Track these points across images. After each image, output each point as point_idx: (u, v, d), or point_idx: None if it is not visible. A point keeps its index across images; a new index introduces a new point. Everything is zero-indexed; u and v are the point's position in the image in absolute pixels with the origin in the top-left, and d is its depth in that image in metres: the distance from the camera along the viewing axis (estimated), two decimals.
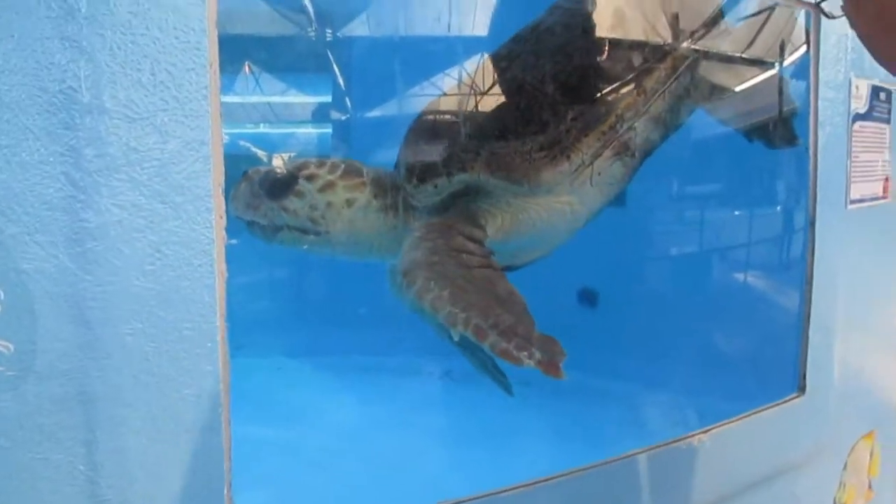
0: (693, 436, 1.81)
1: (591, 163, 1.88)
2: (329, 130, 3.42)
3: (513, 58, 2.05)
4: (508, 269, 2.09)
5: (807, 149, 2.00)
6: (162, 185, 1.07)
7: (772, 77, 2.28)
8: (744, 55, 2.20)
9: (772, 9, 2.08)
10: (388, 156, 2.09)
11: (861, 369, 2.29)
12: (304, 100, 3.44)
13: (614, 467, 1.69)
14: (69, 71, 1.02)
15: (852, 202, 2.10)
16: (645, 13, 2.04)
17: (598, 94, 1.95)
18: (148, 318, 1.07)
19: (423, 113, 2.01)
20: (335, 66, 3.21)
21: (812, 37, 1.97)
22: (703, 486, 1.83)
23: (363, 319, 3.09)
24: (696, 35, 2.08)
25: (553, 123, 1.89)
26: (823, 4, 1.34)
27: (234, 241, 1.17)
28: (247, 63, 2.97)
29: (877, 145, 2.21)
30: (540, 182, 1.85)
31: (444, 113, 2.02)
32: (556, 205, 1.92)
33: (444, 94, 2.13)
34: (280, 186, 1.86)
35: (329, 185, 1.88)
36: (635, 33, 2.02)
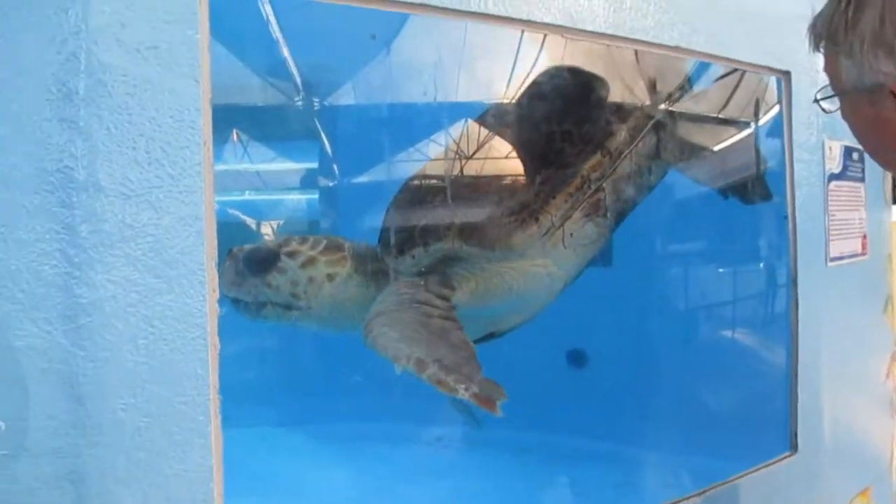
0: (688, 498, 1.80)
1: (562, 225, 1.93)
2: (316, 197, 3.46)
3: (488, 128, 2.12)
4: (492, 335, 2.11)
5: (784, 209, 2.05)
6: (156, 259, 1.09)
7: (743, 136, 2.36)
8: (714, 115, 2.28)
9: (742, 72, 2.16)
10: (374, 221, 2.13)
11: (852, 425, 2.30)
12: (292, 167, 3.49)
13: None
14: (66, 150, 1.05)
15: (832, 260, 2.14)
16: (612, 77, 2.11)
17: (564, 158, 2.01)
18: (141, 393, 1.07)
19: (402, 188, 2.07)
20: (322, 134, 3.28)
21: (784, 101, 2.04)
22: None
23: (352, 386, 3.08)
24: (663, 97, 2.16)
25: (521, 189, 1.95)
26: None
27: (222, 311, 1.18)
28: (235, 131, 3.03)
29: (853, 203, 2.27)
30: (511, 246, 1.91)
31: (422, 186, 2.08)
32: (531, 268, 1.97)
33: (424, 166, 2.20)
34: (263, 263, 1.93)
35: (310, 261, 1.94)
36: (602, 97, 2.09)
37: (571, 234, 1.96)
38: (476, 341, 2.16)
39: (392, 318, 1.77)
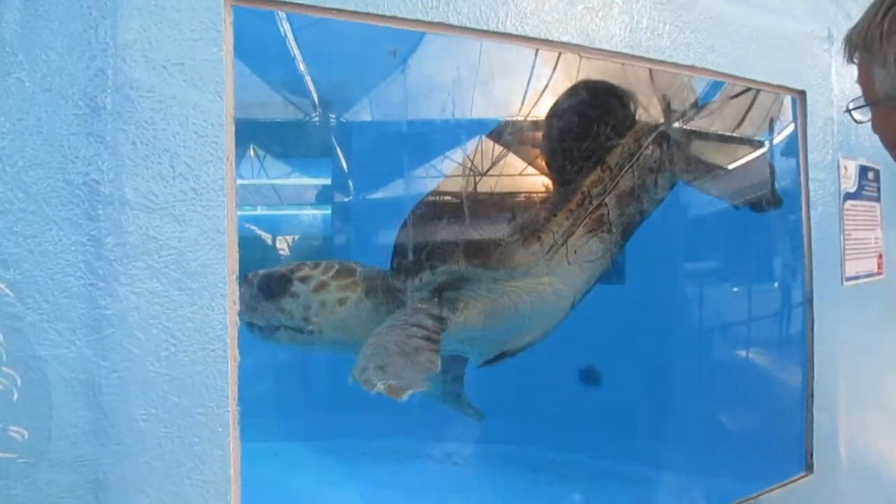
0: None
1: (565, 242, 1.94)
2: (331, 212, 3.49)
3: (490, 149, 2.15)
4: (504, 355, 2.12)
5: (800, 227, 2.05)
6: (178, 272, 1.10)
7: (756, 151, 2.36)
8: (727, 132, 2.28)
9: (757, 90, 2.17)
10: (388, 237, 2.15)
11: (868, 446, 2.28)
12: (308, 182, 3.52)
13: None
14: (93, 164, 1.07)
15: (848, 279, 2.14)
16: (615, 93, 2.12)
17: (564, 175, 2.03)
18: (162, 404, 1.09)
19: (411, 212, 2.09)
20: (338, 151, 3.30)
21: (799, 120, 2.05)
22: None
23: (363, 403, 3.07)
24: (668, 112, 2.16)
25: (523, 207, 1.97)
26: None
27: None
28: (252, 147, 3.06)
29: (868, 223, 2.26)
30: (514, 265, 1.92)
31: (428, 210, 2.10)
32: (537, 286, 1.98)
33: (431, 188, 2.23)
34: (276, 288, 1.98)
35: (322, 286, 1.98)
36: (600, 113, 2.09)
37: (575, 251, 1.96)
38: (488, 361, 2.17)
39: (376, 338, 1.82)
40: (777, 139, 2.31)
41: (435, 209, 2.08)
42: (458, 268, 1.94)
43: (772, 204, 2.27)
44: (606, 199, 1.98)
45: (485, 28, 1.41)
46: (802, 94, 2.02)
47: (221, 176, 1.14)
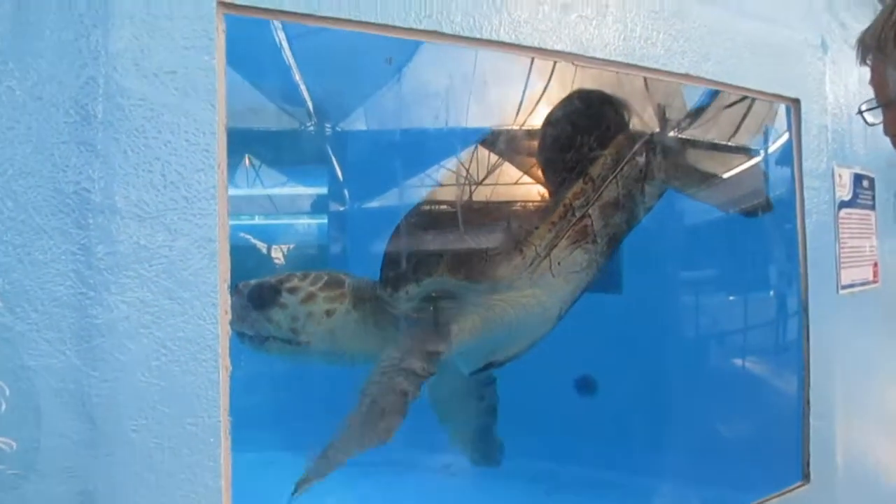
0: None
1: (547, 254, 1.94)
2: (326, 221, 3.48)
3: (477, 159, 2.16)
4: (491, 365, 2.12)
5: (795, 235, 2.05)
6: (169, 281, 1.10)
7: (750, 160, 2.36)
8: (710, 138, 2.28)
9: (752, 99, 2.17)
10: (383, 247, 2.15)
11: (864, 455, 2.27)
12: (303, 192, 3.51)
13: None
14: (83, 173, 1.06)
15: (843, 287, 2.13)
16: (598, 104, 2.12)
17: (547, 187, 2.04)
18: (152, 415, 1.08)
19: (398, 225, 2.10)
20: (333, 159, 3.30)
21: (793, 129, 2.05)
22: None
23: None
24: (657, 120, 2.16)
25: (506, 220, 1.98)
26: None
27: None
28: (247, 156, 3.05)
29: (863, 231, 2.26)
30: (497, 278, 1.92)
31: (415, 223, 2.10)
32: (521, 299, 1.98)
33: (419, 201, 2.23)
34: (265, 299, 1.97)
35: (310, 297, 1.98)
36: (587, 123, 2.10)
37: (559, 263, 1.96)
38: (474, 372, 2.17)
39: (364, 395, 1.87)
40: (770, 148, 2.31)
41: (421, 221, 2.09)
42: (442, 280, 1.95)
43: (763, 209, 2.27)
44: (590, 211, 1.98)
45: (478, 36, 1.41)
46: (797, 102, 2.03)
47: (213, 184, 1.14)
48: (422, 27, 1.35)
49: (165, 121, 1.11)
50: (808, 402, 2.02)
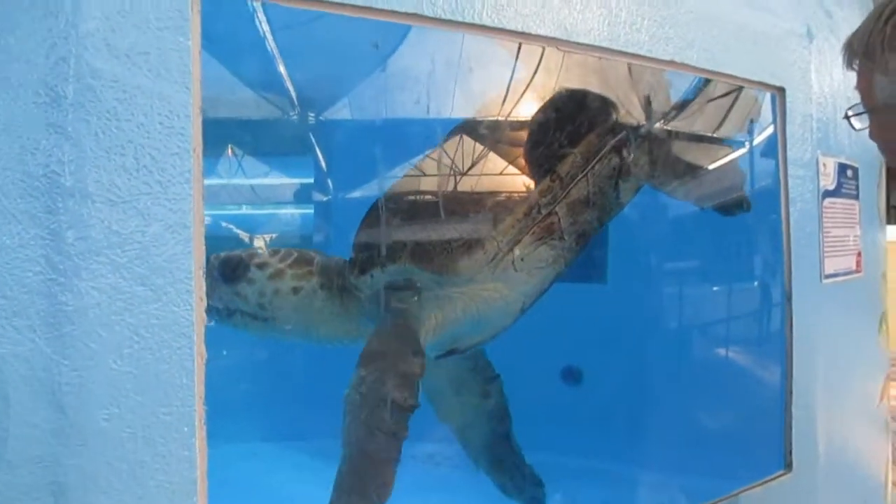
0: None
1: (510, 250, 1.93)
2: (310, 211, 3.45)
3: (445, 153, 2.15)
4: (452, 352, 2.11)
5: (779, 225, 2.04)
6: (143, 267, 1.07)
7: (733, 152, 2.36)
8: (690, 131, 2.27)
9: (737, 90, 2.16)
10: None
11: (846, 445, 2.28)
12: (287, 181, 3.48)
13: None
14: (53, 156, 1.03)
15: (827, 277, 2.14)
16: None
17: (513, 183, 2.03)
18: (125, 403, 1.05)
19: (371, 207, 2.08)
20: (317, 148, 3.27)
21: (778, 117, 2.04)
22: None
23: (341, 401, 3.05)
24: (629, 118, 2.15)
25: (473, 213, 1.97)
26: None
27: (211, 324, 1.16)
28: (230, 145, 3.01)
29: (847, 221, 2.27)
30: (457, 271, 1.91)
31: (387, 207, 2.08)
32: (483, 292, 1.96)
33: (392, 185, 2.22)
34: (233, 272, 1.96)
35: (278, 273, 1.97)
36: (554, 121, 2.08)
37: (522, 259, 1.95)
38: (437, 357, 2.16)
39: (347, 445, 1.88)
40: (755, 139, 2.30)
41: (391, 207, 2.07)
42: (405, 269, 1.94)
43: (741, 209, 2.26)
44: (557, 209, 1.97)
45: (460, 20, 1.39)
46: (781, 90, 2.02)
47: (188, 169, 1.11)
48: (402, 10, 1.33)
49: (138, 103, 1.08)
50: (791, 392, 2.02)
